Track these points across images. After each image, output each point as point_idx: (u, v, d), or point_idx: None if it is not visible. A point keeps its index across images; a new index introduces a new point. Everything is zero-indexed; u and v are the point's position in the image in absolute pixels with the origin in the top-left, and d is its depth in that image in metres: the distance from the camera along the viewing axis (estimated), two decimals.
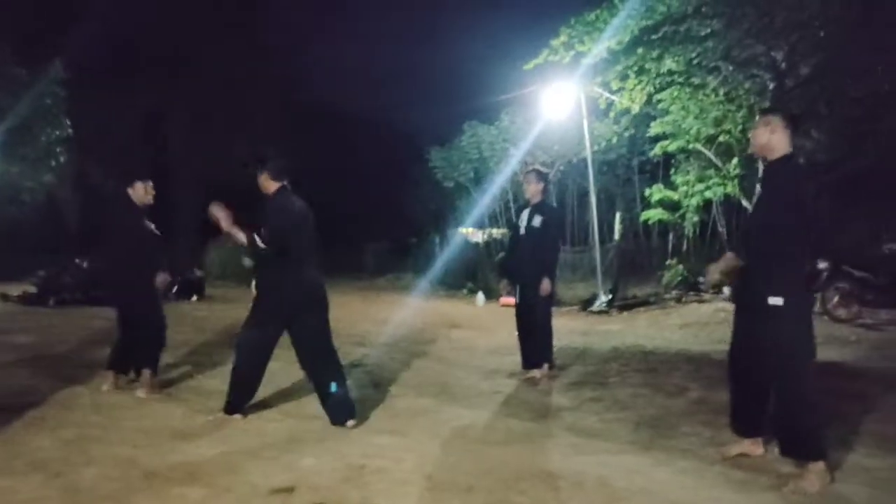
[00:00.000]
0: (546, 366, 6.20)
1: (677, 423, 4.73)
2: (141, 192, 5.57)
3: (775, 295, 3.51)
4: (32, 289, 12.45)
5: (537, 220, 6.09)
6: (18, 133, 15.01)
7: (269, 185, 4.70)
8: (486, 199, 20.44)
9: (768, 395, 3.72)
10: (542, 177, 6.31)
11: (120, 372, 5.54)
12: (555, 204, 6.32)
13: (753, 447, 3.93)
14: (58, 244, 18.35)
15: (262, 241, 4.43)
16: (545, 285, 5.95)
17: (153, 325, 5.48)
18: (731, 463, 3.85)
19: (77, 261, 12.86)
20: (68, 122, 16.20)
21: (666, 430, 4.55)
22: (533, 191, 6.22)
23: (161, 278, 5.49)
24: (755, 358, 3.69)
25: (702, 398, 5.46)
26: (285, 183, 4.73)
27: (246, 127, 24.57)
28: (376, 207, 27.96)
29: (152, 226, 5.66)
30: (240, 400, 4.71)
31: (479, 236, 24.02)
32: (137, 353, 5.46)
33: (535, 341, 6.20)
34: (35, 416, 4.55)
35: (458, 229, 23.61)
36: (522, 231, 6.20)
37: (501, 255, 21.55)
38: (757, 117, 4.04)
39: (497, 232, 23.83)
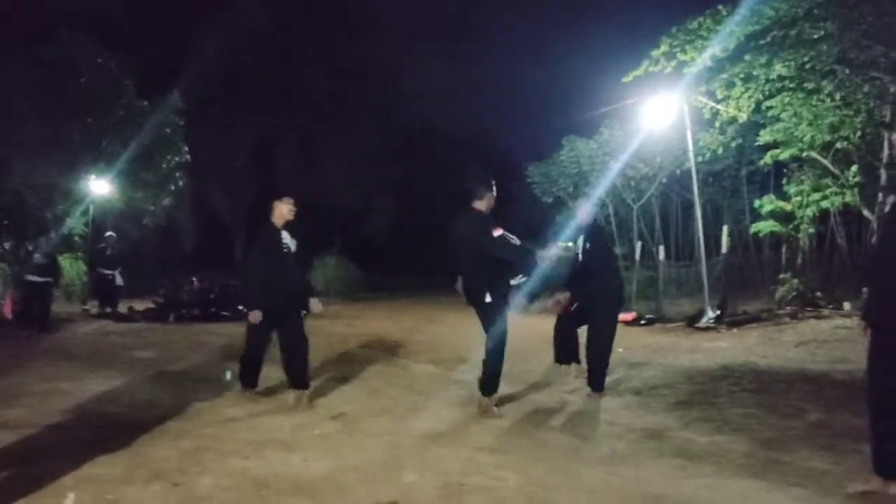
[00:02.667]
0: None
1: (794, 447, 4.46)
2: (284, 209, 5.71)
3: None
4: (154, 305, 13.33)
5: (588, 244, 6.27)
6: (141, 160, 16.11)
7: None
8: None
9: None
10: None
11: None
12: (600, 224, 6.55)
13: (886, 486, 3.52)
14: (177, 263, 19.50)
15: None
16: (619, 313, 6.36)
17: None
18: (856, 496, 3.56)
19: (193, 279, 13.62)
20: (186, 149, 17.26)
21: (781, 454, 4.30)
22: (584, 215, 6.55)
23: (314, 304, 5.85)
24: None
25: (822, 421, 5.13)
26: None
27: (349, 149, 25.38)
28: None
29: (293, 243, 5.78)
30: None
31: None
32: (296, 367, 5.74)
33: (578, 347, 6.44)
34: (157, 428, 4.82)
35: (557, 244, 23.35)
36: (580, 255, 6.30)
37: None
38: None
39: None
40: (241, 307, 10.14)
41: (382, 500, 3.48)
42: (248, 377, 5.90)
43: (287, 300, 5.66)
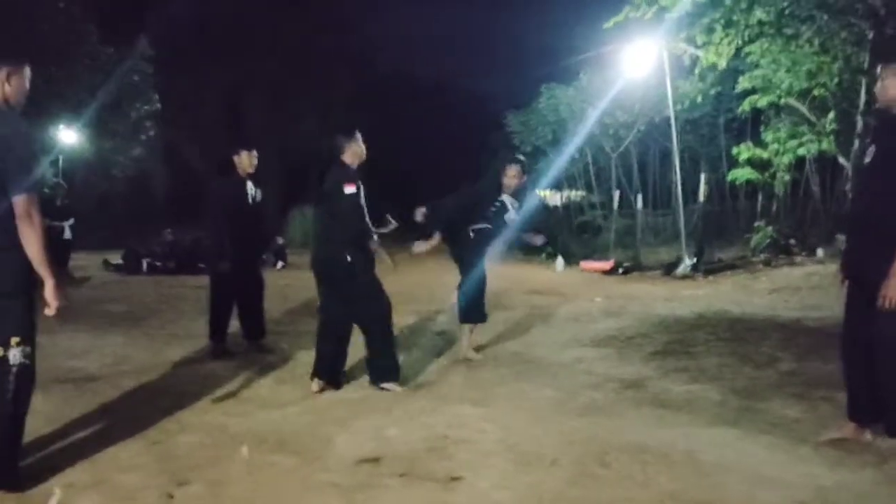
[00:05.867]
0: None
1: (767, 395, 4.54)
2: (246, 161, 5.92)
3: None
4: (127, 257, 13.12)
5: None
6: (109, 110, 15.68)
7: None
8: (564, 161, 20.13)
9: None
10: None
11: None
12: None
13: (859, 433, 3.58)
14: (148, 215, 19.20)
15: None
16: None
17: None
18: (828, 443, 3.61)
19: (167, 230, 13.43)
20: (156, 97, 16.80)
21: (755, 403, 4.37)
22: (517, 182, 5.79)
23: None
24: (872, 337, 3.36)
25: (793, 370, 5.23)
26: None
27: (321, 99, 24.85)
28: (455, 175, 27.92)
29: (257, 192, 6.04)
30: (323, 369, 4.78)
31: (557, 199, 23.68)
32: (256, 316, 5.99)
33: None
34: (132, 385, 4.79)
35: (535, 192, 23.35)
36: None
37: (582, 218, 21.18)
38: (878, 68, 3.57)
39: (575, 194, 23.42)
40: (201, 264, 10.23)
41: (366, 454, 3.49)
42: (217, 332, 5.90)
43: (250, 251, 5.96)
